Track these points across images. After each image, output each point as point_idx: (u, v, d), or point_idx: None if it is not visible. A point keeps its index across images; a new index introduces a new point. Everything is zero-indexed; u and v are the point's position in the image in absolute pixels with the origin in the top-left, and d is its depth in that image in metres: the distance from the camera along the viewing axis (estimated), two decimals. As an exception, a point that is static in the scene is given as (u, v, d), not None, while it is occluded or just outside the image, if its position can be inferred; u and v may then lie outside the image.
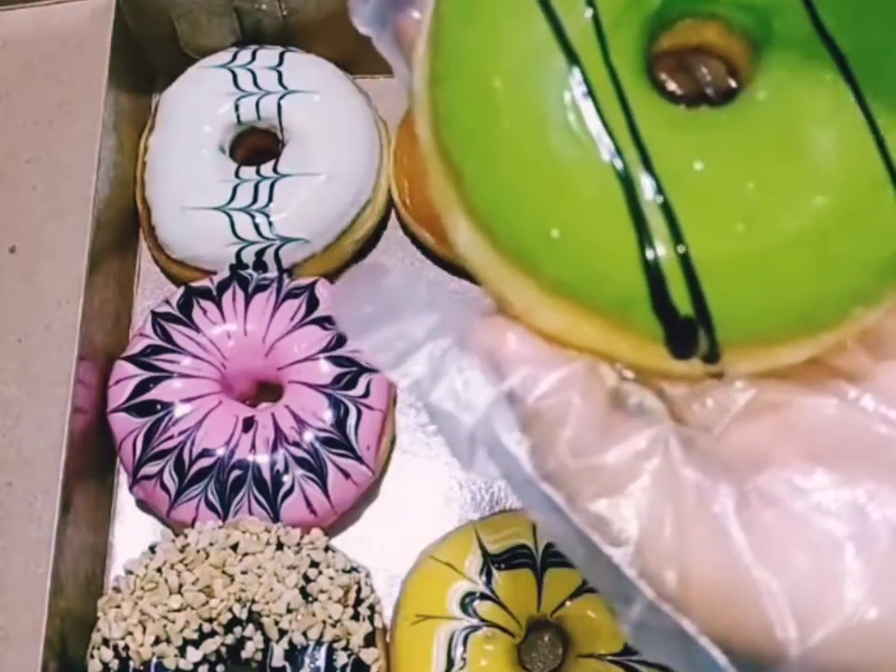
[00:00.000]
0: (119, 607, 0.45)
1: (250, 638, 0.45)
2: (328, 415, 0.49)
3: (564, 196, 0.22)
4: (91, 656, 0.45)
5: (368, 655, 0.45)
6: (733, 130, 0.23)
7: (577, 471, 0.21)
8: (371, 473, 0.50)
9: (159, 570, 0.45)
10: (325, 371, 0.50)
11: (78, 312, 0.48)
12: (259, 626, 0.45)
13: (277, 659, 0.44)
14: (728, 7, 0.24)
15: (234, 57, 0.56)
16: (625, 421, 0.22)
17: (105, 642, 0.45)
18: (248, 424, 0.49)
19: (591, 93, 0.22)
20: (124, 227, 0.56)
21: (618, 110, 0.22)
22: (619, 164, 0.22)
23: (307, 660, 0.44)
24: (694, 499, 0.21)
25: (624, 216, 0.21)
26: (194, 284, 0.52)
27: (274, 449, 0.48)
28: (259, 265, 0.52)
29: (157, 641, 0.44)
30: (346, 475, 0.48)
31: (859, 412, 0.23)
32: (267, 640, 0.45)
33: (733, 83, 0.25)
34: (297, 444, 0.48)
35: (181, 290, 0.52)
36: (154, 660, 0.44)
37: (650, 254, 0.21)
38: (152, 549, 0.47)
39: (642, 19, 0.23)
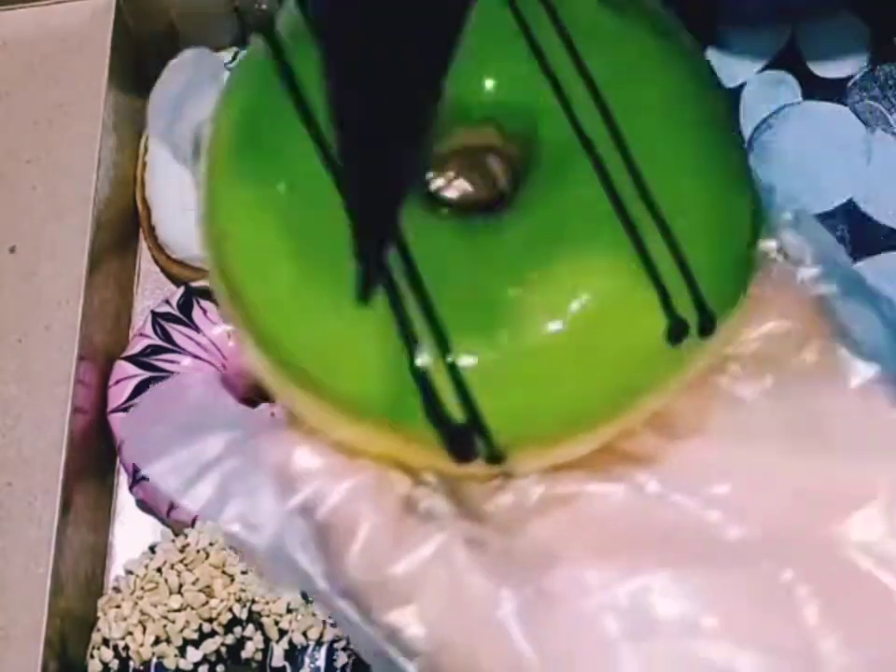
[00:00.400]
0: (119, 607, 0.45)
1: (250, 638, 0.45)
2: (328, 415, 0.48)
3: (333, 314, 0.22)
4: (91, 656, 0.45)
5: (368, 655, 0.45)
6: (499, 235, 0.23)
7: (368, 584, 0.21)
8: (372, 473, 0.50)
9: (159, 570, 0.45)
10: (325, 371, 0.49)
11: (78, 312, 0.48)
12: (260, 626, 0.45)
13: (277, 659, 0.44)
14: (498, 112, 0.24)
15: (235, 57, 0.56)
16: (415, 529, 0.22)
17: (105, 642, 0.45)
18: (248, 424, 0.49)
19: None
20: (124, 227, 0.56)
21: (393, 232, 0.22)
22: (389, 286, 0.22)
23: (307, 660, 0.44)
24: (480, 607, 0.21)
25: (393, 329, 0.22)
26: (194, 283, 0.52)
27: (275, 449, 0.48)
28: (259, 265, 0.52)
29: (157, 641, 0.44)
30: (346, 475, 0.48)
31: (645, 497, 0.23)
32: (267, 640, 0.45)
33: (508, 186, 0.25)
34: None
35: (181, 290, 0.52)
36: (154, 660, 0.44)
37: (419, 365, 0.22)
38: (152, 549, 0.47)
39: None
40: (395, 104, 0.17)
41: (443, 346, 0.22)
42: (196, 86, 0.26)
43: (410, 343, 0.22)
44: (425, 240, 0.22)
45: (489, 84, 0.24)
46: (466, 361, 0.22)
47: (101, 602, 0.46)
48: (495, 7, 0.24)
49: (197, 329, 0.51)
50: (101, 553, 0.51)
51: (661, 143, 0.23)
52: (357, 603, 0.21)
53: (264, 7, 0.56)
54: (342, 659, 0.44)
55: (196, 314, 0.51)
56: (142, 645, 0.44)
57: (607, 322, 0.22)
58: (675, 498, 0.22)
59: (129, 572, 0.46)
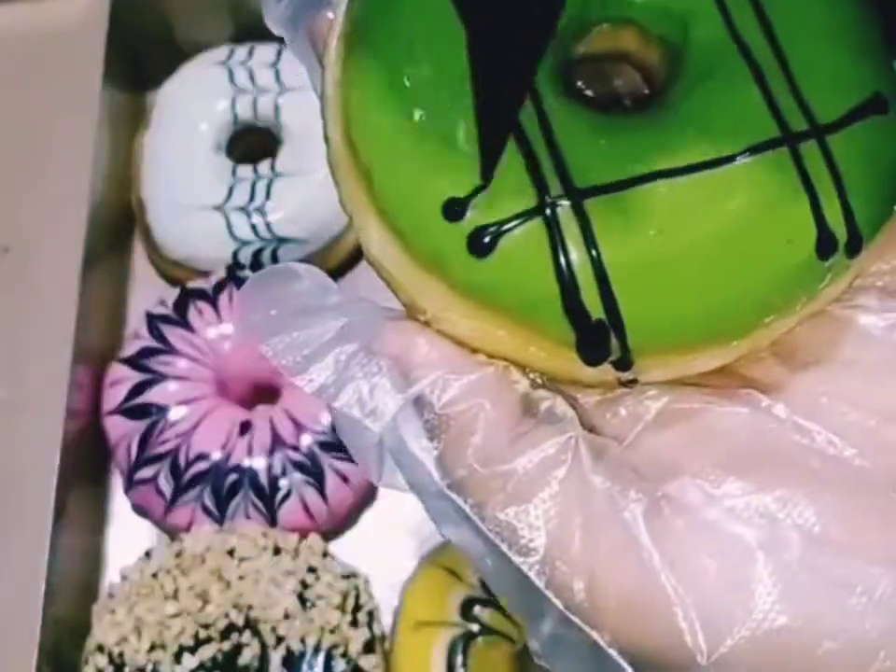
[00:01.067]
0: (113, 612, 0.45)
1: (247, 645, 0.44)
2: (326, 418, 0.48)
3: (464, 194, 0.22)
4: (86, 662, 0.45)
5: (367, 662, 0.44)
6: (647, 133, 0.23)
7: (485, 479, 0.21)
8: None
9: (154, 576, 0.45)
10: (323, 373, 0.49)
11: (73, 313, 0.48)
12: (256, 633, 0.44)
13: (275, 666, 0.44)
14: (644, 14, 0.24)
15: (231, 54, 0.55)
16: (536, 427, 0.22)
17: (100, 648, 0.45)
18: (245, 427, 0.49)
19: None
20: (119, 227, 0.55)
21: (533, 115, 0.22)
22: (532, 168, 0.22)
23: (305, 667, 0.44)
24: (604, 507, 0.21)
25: (537, 219, 0.22)
26: (190, 284, 0.52)
27: (272, 453, 0.48)
28: (257, 265, 0.52)
29: (152, 647, 0.44)
30: (345, 479, 0.48)
31: (771, 420, 0.23)
32: (264, 647, 0.44)
33: (647, 91, 0.25)
34: (295, 448, 0.48)
35: (177, 291, 0.52)
36: (149, 666, 0.44)
37: (562, 257, 0.21)
38: (147, 554, 0.47)
39: (559, 24, 0.23)
40: None
41: (588, 239, 0.21)
42: None
43: (552, 232, 0.21)
44: (574, 138, 0.22)
45: None
46: (610, 256, 0.21)
47: (95, 608, 0.46)
48: None
49: (192, 331, 0.50)
50: (95, 558, 0.51)
51: (819, 54, 0.23)
52: (472, 498, 0.21)
53: (259, 3, 0.56)
54: (339, 666, 0.44)
55: (192, 315, 0.51)
56: (137, 651, 0.44)
57: (758, 229, 0.22)
58: (801, 423, 0.23)
59: (124, 577, 0.46)
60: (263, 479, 0.47)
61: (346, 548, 0.49)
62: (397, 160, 0.23)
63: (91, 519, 0.50)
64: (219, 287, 0.51)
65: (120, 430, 0.49)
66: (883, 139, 0.23)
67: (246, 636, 0.44)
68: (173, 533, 0.48)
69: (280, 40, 0.60)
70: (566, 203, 0.22)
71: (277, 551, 0.46)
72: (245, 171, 0.53)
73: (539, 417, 0.22)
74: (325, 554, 0.46)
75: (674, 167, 0.22)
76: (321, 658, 0.44)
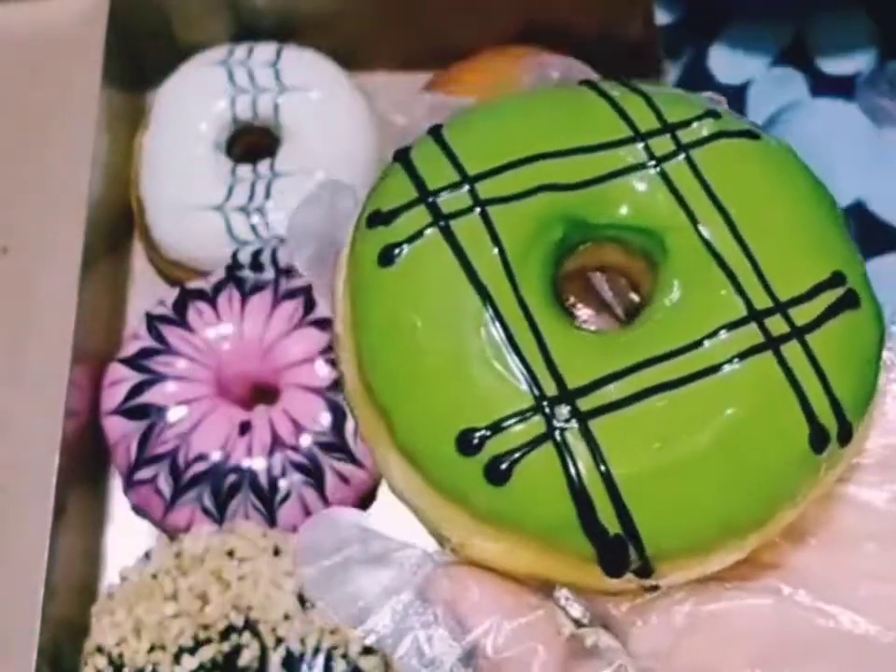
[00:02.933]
0: (113, 613, 0.45)
1: (247, 646, 0.44)
2: (326, 419, 0.48)
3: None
4: (85, 663, 0.45)
5: (366, 663, 0.44)
6: (639, 349, 0.24)
7: None
8: (370, 478, 0.49)
9: (153, 576, 0.45)
10: (323, 373, 0.49)
11: (72, 313, 0.48)
12: (256, 633, 0.44)
13: (274, 667, 0.44)
14: (624, 231, 0.26)
15: (230, 53, 0.55)
16: (586, 662, 0.22)
17: (99, 649, 0.44)
18: (244, 427, 0.48)
19: (504, 328, 0.24)
20: (118, 227, 0.55)
21: (532, 342, 0.24)
22: (538, 395, 0.23)
23: (304, 668, 0.44)
24: None
25: (548, 444, 0.23)
26: (189, 285, 0.52)
27: (271, 453, 0.48)
28: (256, 265, 0.52)
29: (152, 648, 0.44)
30: (345, 480, 0.48)
31: (794, 607, 0.23)
32: (264, 648, 0.44)
33: (635, 297, 0.27)
34: (294, 448, 0.48)
35: (176, 291, 0.52)
36: (149, 667, 0.44)
37: (574, 478, 0.23)
38: (147, 555, 0.47)
39: (546, 249, 0.25)
40: None
41: (597, 458, 0.23)
42: (333, 217, 0.27)
43: (562, 455, 0.23)
44: (573, 360, 0.24)
45: (623, 209, 0.26)
46: (620, 471, 0.23)
47: (95, 609, 0.46)
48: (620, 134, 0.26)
49: (192, 331, 0.50)
50: (94, 559, 0.51)
51: (784, 250, 0.25)
52: None
53: (260, 2, 0.56)
54: (339, 667, 0.44)
55: (191, 315, 0.51)
56: (136, 652, 0.44)
57: (754, 431, 0.23)
58: (823, 607, 0.23)
59: (123, 578, 0.46)
60: (263, 479, 0.47)
61: (346, 549, 0.49)
62: (411, 399, 0.24)
63: (90, 519, 0.50)
64: (219, 287, 0.51)
65: (120, 431, 0.49)
66: (856, 330, 0.25)
67: (246, 636, 0.44)
68: (172, 534, 0.48)
69: (279, 38, 0.60)
70: (573, 425, 0.23)
71: (277, 551, 0.45)
72: (245, 170, 0.53)
73: (587, 653, 0.23)
74: (325, 555, 0.46)
75: (668, 380, 0.23)
76: (321, 659, 0.44)
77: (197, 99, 0.54)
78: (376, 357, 0.25)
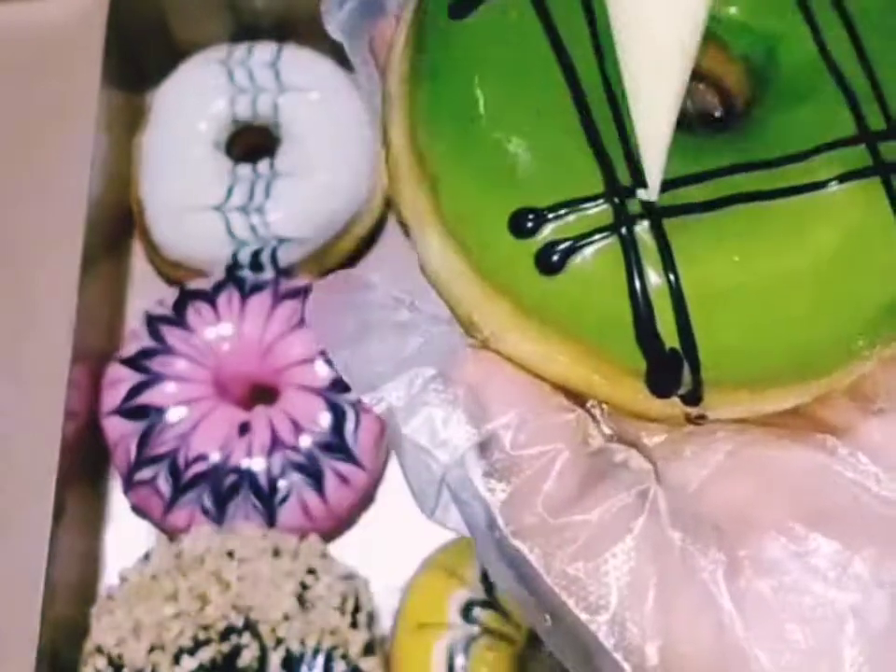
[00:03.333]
0: (112, 614, 0.45)
1: (246, 646, 0.44)
2: (325, 419, 0.48)
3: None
4: (85, 664, 0.45)
5: (366, 664, 0.44)
6: (733, 154, 0.21)
7: (555, 529, 0.20)
8: (370, 478, 0.49)
9: (153, 577, 0.45)
10: (322, 373, 0.49)
11: (72, 313, 0.48)
12: (256, 634, 0.44)
13: (274, 667, 0.44)
14: (727, 31, 0.23)
15: (230, 53, 0.55)
16: (611, 478, 0.21)
17: (99, 650, 0.44)
18: (244, 428, 0.48)
19: (582, 101, 0.21)
20: (118, 227, 0.55)
21: (611, 122, 0.21)
22: (609, 181, 0.20)
23: (304, 668, 0.44)
24: (681, 565, 0.20)
25: (612, 238, 0.20)
26: (189, 285, 0.52)
27: (271, 454, 0.48)
28: (256, 266, 0.52)
29: (151, 649, 0.44)
30: (344, 480, 0.48)
31: (850, 469, 0.21)
32: (263, 648, 0.44)
33: (718, 114, 0.24)
34: (294, 449, 0.48)
35: (176, 292, 0.52)
36: (148, 668, 0.44)
37: (637, 280, 0.20)
38: (146, 555, 0.47)
39: None
40: None
41: (667, 262, 0.20)
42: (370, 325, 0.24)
43: (628, 253, 0.20)
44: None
45: (734, 5, 0.23)
46: (690, 282, 0.20)
47: (94, 609, 0.46)
48: None
49: (191, 331, 0.50)
50: (94, 559, 0.51)
51: None
52: (538, 548, 0.20)
53: (260, 1, 0.56)
54: (339, 667, 0.44)
55: (190, 315, 0.51)
56: (136, 653, 0.44)
57: (846, 263, 0.21)
58: (881, 475, 0.21)
59: (123, 579, 0.46)
60: (262, 480, 0.47)
61: (346, 549, 0.49)
62: (466, 165, 0.21)
63: (89, 520, 0.50)
64: (218, 287, 0.51)
65: (119, 431, 0.49)
66: None
67: (246, 637, 0.44)
68: (172, 534, 0.48)
69: (279, 38, 0.60)
70: (644, 222, 0.20)
71: (277, 552, 0.45)
72: (245, 170, 0.53)
73: (615, 468, 0.21)
74: (324, 556, 0.46)
75: (761, 190, 0.21)
76: (321, 660, 0.44)
77: (196, 99, 0.54)
78: (434, 114, 0.22)
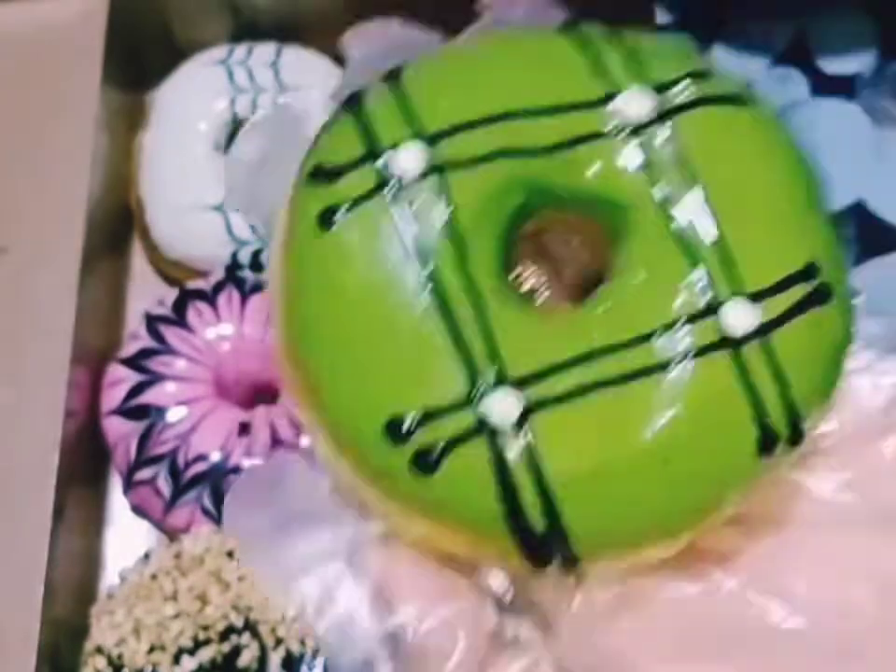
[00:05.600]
0: (112, 614, 0.45)
1: (246, 646, 0.44)
2: (325, 419, 0.48)
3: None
4: (85, 664, 0.45)
5: (366, 664, 0.44)
6: (588, 337, 0.23)
7: None
8: (370, 478, 0.49)
9: (153, 577, 0.45)
10: (322, 373, 0.49)
11: (71, 313, 0.48)
12: (256, 634, 0.44)
13: (274, 668, 0.44)
14: (590, 202, 0.24)
15: (230, 53, 0.55)
16: (505, 652, 0.23)
17: (99, 650, 0.44)
18: (244, 428, 0.48)
19: (446, 306, 0.22)
20: (118, 227, 0.55)
21: (474, 323, 0.22)
22: (474, 383, 0.22)
23: (304, 668, 0.44)
24: None
25: (480, 438, 0.22)
26: (189, 285, 0.52)
27: (271, 454, 0.47)
28: (256, 266, 0.52)
29: (151, 649, 0.44)
30: (344, 480, 0.48)
31: (724, 596, 0.23)
32: (263, 648, 0.44)
33: (588, 261, 0.26)
34: (294, 449, 0.48)
35: (175, 292, 0.51)
36: (148, 668, 0.44)
37: (504, 476, 0.22)
38: (146, 555, 0.46)
39: (503, 215, 0.23)
40: None
41: (531, 457, 0.22)
42: (275, 153, 0.25)
43: (495, 450, 0.22)
44: (516, 344, 0.22)
45: (591, 179, 0.24)
46: (554, 471, 0.22)
47: (94, 609, 0.46)
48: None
49: (192, 331, 0.50)
50: (94, 560, 0.51)
51: (761, 240, 0.23)
52: None
53: (260, 1, 0.56)
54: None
55: (191, 315, 0.51)
56: (136, 653, 0.44)
57: (697, 435, 0.22)
58: (752, 598, 0.23)
59: (122, 579, 0.46)
60: (263, 480, 0.47)
61: (346, 549, 0.49)
62: (341, 379, 0.23)
63: (89, 520, 0.50)
64: (218, 287, 0.51)
65: (119, 431, 0.49)
66: (824, 327, 0.23)
67: (246, 637, 0.44)
68: (172, 534, 0.48)
69: (279, 38, 0.60)
70: (509, 419, 0.22)
71: (277, 552, 0.45)
72: (245, 170, 0.53)
73: (507, 643, 0.23)
74: (324, 556, 0.46)
75: (616, 375, 0.22)
76: (320, 660, 0.44)
77: (197, 99, 0.55)
78: (308, 330, 0.23)
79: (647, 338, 0.22)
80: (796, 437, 0.22)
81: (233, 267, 0.52)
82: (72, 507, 0.47)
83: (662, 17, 0.59)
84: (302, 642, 0.44)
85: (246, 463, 0.47)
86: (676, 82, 0.24)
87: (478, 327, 0.22)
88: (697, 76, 0.24)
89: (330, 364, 0.23)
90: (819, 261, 0.23)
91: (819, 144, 0.57)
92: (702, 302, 0.22)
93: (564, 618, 0.23)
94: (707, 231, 0.23)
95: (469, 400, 0.22)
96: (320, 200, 0.23)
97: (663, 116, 0.23)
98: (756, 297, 0.22)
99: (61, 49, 0.53)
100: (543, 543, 0.22)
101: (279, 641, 0.44)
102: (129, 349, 0.50)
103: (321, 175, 0.23)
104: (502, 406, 0.22)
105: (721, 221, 0.23)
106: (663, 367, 0.22)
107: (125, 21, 0.55)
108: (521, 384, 0.22)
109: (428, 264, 0.22)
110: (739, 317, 0.22)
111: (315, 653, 0.44)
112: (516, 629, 0.23)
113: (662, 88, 0.23)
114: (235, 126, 0.55)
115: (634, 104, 0.22)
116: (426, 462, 0.22)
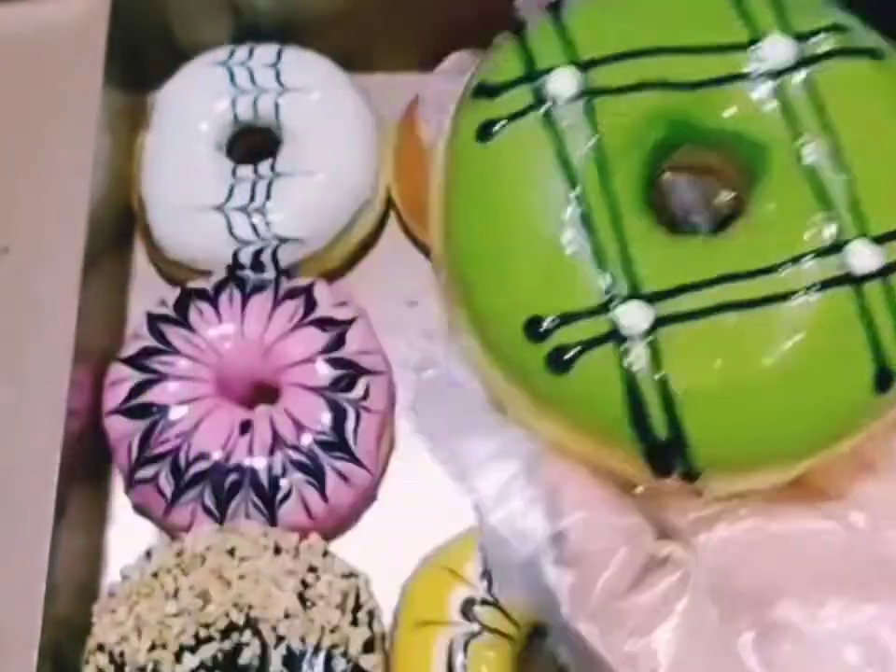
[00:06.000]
0: (114, 612, 0.45)
1: (247, 644, 0.44)
2: (326, 418, 0.48)
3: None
4: (87, 662, 0.45)
5: (367, 661, 0.44)
6: (720, 263, 0.25)
7: (612, 611, 0.23)
8: (371, 477, 0.49)
9: (155, 575, 0.45)
10: (323, 373, 0.49)
11: (73, 313, 0.48)
12: (257, 632, 0.44)
13: (275, 665, 0.44)
14: (729, 139, 0.26)
15: (231, 54, 0.56)
16: (659, 566, 0.24)
17: (101, 648, 0.45)
18: (245, 427, 0.49)
19: (588, 221, 0.24)
20: (119, 227, 0.55)
21: (613, 239, 0.24)
22: (609, 294, 0.24)
23: (305, 666, 0.44)
24: (718, 637, 0.23)
25: (611, 345, 0.24)
26: (190, 285, 0.52)
27: (272, 452, 0.48)
28: (257, 266, 0.52)
29: (153, 647, 0.44)
30: (345, 479, 0.48)
31: (857, 534, 0.24)
32: (264, 646, 0.44)
33: (725, 199, 0.27)
34: (295, 448, 0.48)
35: (177, 291, 0.52)
36: (150, 666, 0.44)
37: (631, 382, 0.24)
38: (148, 553, 0.47)
39: (646, 146, 0.25)
40: None
41: (657, 367, 0.24)
42: None
43: (624, 358, 0.24)
44: (651, 263, 0.24)
45: (731, 117, 0.26)
46: (678, 384, 0.24)
47: (96, 607, 0.46)
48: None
49: (193, 331, 0.50)
50: (96, 558, 0.51)
51: (889, 188, 0.25)
52: (598, 629, 0.23)
53: (261, 2, 0.56)
54: (340, 665, 0.44)
55: (192, 315, 0.51)
56: (138, 651, 0.44)
57: (819, 364, 0.24)
58: (886, 535, 0.24)
59: (124, 577, 0.46)
60: (263, 478, 0.47)
61: (347, 547, 0.49)
62: (488, 278, 0.25)
63: (91, 518, 0.50)
64: (220, 287, 0.51)
65: (121, 430, 0.49)
66: None
67: (247, 635, 0.44)
68: (173, 532, 0.48)
69: (280, 40, 0.60)
70: (639, 330, 0.24)
71: (278, 550, 0.46)
72: (246, 171, 0.53)
73: (661, 561, 0.25)
74: (325, 554, 0.46)
75: (742, 300, 0.24)
76: (321, 657, 0.44)
77: (198, 99, 0.55)
78: (461, 231, 0.25)
79: (775, 269, 0.24)
80: None
81: (234, 267, 0.52)
82: (74, 505, 0.47)
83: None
84: (303, 640, 0.44)
85: (247, 462, 0.48)
86: (816, 33, 0.25)
87: (616, 243, 0.24)
88: (836, 28, 0.26)
89: (480, 266, 0.25)
90: None
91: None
92: (828, 240, 0.24)
93: (705, 550, 0.24)
94: (837, 174, 0.24)
95: (603, 309, 0.24)
96: (481, 113, 0.25)
97: (802, 63, 0.25)
98: (880, 240, 0.24)
99: (63, 50, 0.53)
100: (665, 452, 0.24)
101: (280, 639, 0.44)
102: (130, 348, 0.50)
103: (483, 91, 0.26)
104: (633, 317, 0.24)
105: (851, 166, 0.24)
106: (788, 297, 0.24)
107: (127, 23, 0.55)
108: (653, 298, 0.24)
109: (575, 182, 0.24)
110: (863, 257, 0.24)
111: (315, 650, 0.44)
112: (671, 549, 0.25)
113: (802, 37, 0.25)
114: (236, 127, 0.55)
115: (776, 50, 0.25)
116: (560, 361, 0.24)
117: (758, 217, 0.25)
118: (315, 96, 0.54)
